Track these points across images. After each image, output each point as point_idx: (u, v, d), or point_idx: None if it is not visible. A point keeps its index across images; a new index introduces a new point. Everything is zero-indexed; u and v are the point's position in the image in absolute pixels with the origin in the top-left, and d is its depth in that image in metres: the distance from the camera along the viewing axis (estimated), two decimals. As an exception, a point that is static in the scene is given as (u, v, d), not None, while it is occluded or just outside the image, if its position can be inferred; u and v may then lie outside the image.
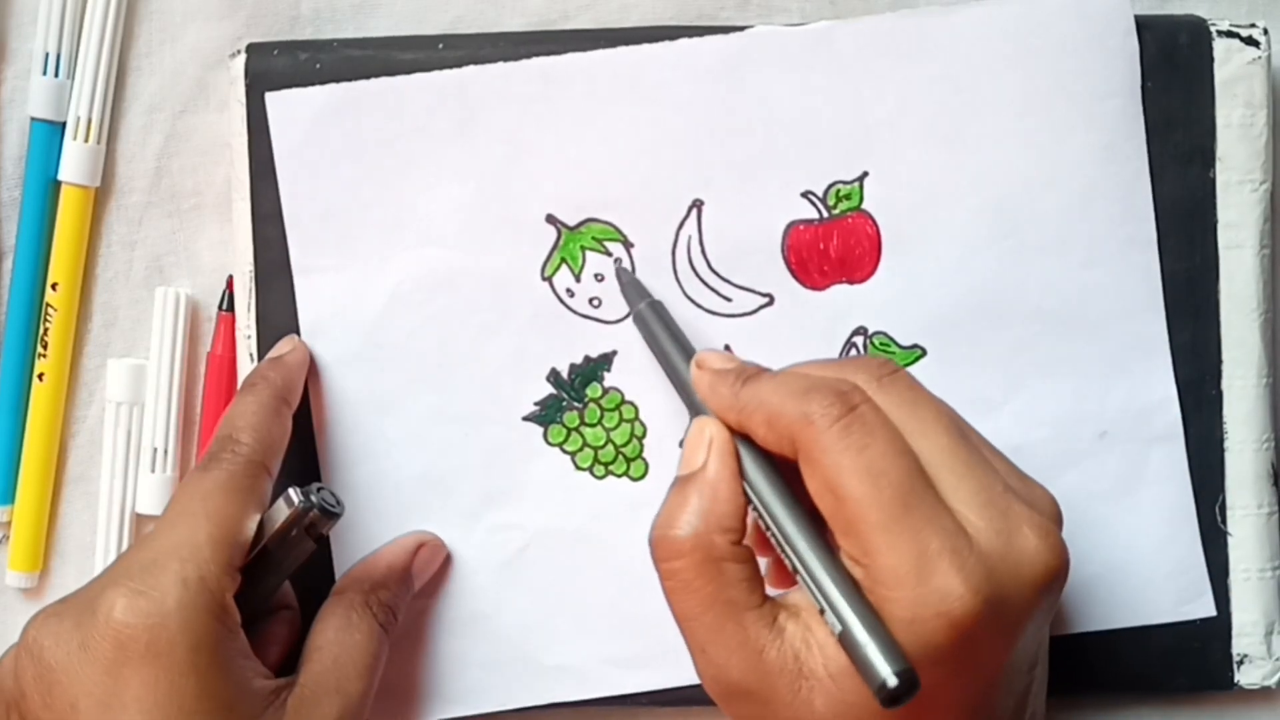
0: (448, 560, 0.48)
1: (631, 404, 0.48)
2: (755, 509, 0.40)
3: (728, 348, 0.48)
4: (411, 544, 0.47)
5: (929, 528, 0.36)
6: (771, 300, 0.48)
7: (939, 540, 0.36)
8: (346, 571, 0.46)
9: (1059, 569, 0.38)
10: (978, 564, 0.36)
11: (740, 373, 0.41)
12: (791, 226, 0.48)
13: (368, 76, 0.47)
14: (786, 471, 0.40)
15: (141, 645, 0.39)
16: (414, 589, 0.47)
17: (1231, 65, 0.49)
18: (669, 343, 0.45)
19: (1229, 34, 0.49)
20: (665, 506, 0.40)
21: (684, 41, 0.48)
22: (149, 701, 0.39)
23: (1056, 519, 0.40)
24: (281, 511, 0.43)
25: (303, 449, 0.48)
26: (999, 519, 0.37)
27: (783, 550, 0.39)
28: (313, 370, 0.48)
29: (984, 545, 0.37)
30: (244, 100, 0.48)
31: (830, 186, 0.48)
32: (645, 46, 0.47)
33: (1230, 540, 0.49)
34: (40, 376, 0.50)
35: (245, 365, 0.48)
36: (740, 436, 0.41)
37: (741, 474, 0.40)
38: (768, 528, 0.40)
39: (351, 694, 0.42)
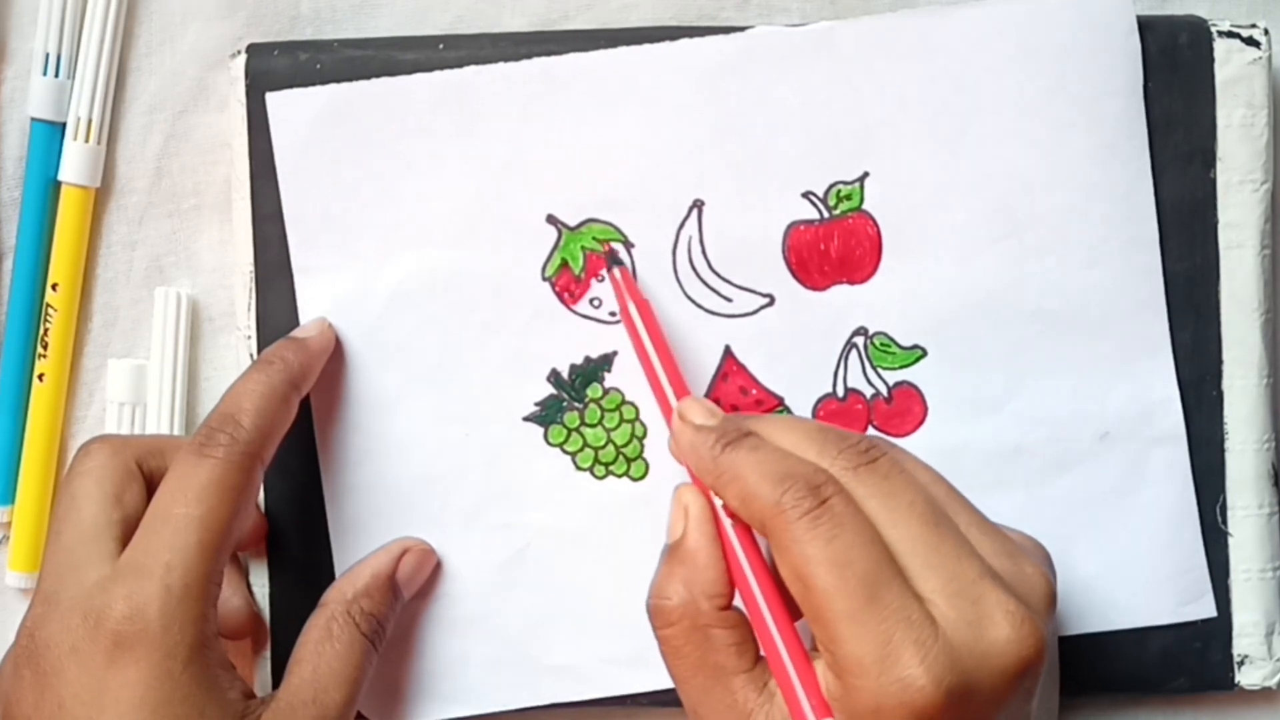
0: (448, 560, 0.48)
1: (632, 404, 0.48)
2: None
3: (728, 348, 0.48)
4: (396, 550, 0.47)
5: (893, 618, 0.37)
6: (772, 300, 0.48)
7: (903, 631, 0.37)
8: (332, 584, 0.46)
9: (1030, 658, 0.38)
10: (941, 654, 0.37)
11: (722, 434, 0.41)
12: (792, 227, 0.48)
13: (368, 77, 0.47)
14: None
15: (123, 649, 0.39)
16: (403, 596, 0.46)
17: (1232, 65, 0.49)
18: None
19: (1229, 34, 0.49)
20: (657, 575, 0.42)
21: (684, 41, 0.48)
22: (126, 704, 0.39)
23: (1046, 601, 0.40)
24: None
25: (303, 449, 0.48)
26: (969, 608, 0.38)
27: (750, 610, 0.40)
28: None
29: (951, 635, 0.37)
30: (244, 100, 0.48)
31: (831, 187, 0.48)
32: (645, 46, 0.47)
33: (1231, 540, 0.49)
34: (40, 377, 0.50)
35: (245, 366, 0.48)
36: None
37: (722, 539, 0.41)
38: (736, 583, 0.41)
39: (329, 704, 0.42)
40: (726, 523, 0.41)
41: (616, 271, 0.47)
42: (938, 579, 0.38)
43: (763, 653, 0.40)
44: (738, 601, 0.41)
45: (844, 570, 0.37)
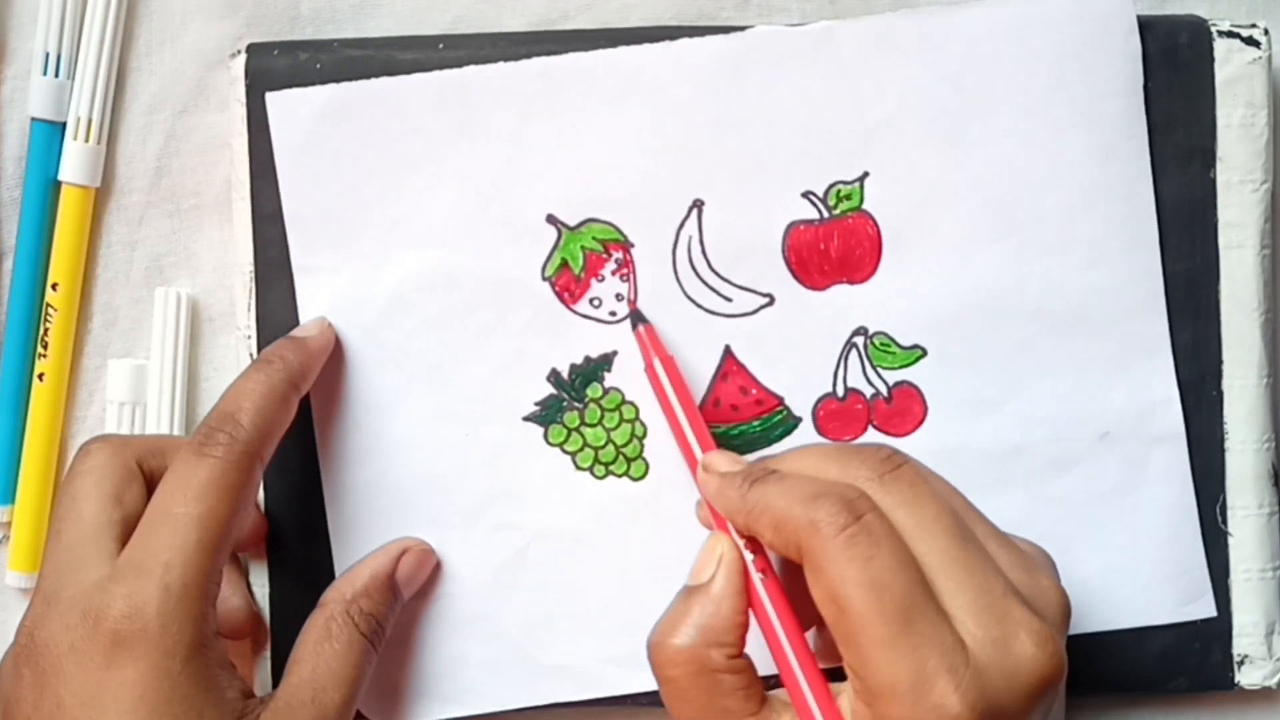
0: (448, 560, 0.48)
1: (632, 404, 0.48)
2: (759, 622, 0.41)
3: (728, 348, 0.48)
4: (395, 551, 0.46)
5: (928, 644, 0.37)
6: (772, 300, 0.48)
7: (937, 657, 0.37)
8: (331, 584, 0.46)
9: (1053, 676, 0.38)
10: (974, 679, 0.37)
11: (747, 475, 0.41)
12: (792, 227, 0.48)
13: (368, 76, 0.47)
14: (792, 576, 0.40)
15: (122, 648, 0.39)
16: (402, 596, 0.46)
17: (1232, 65, 0.49)
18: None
19: (1229, 34, 0.49)
20: (668, 613, 0.41)
21: (684, 41, 0.48)
22: (125, 704, 0.39)
23: (1063, 615, 0.40)
24: None
25: (303, 449, 0.48)
26: (995, 626, 0.38)
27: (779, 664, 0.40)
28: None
29: (980, 656, 0.37)
30: (244, 100, 0.48)
31: (831, 186, 0.48)
32: (645, 46, 0.47)
33: (1231, 540, 0.49)
34: (40, 376, 0.50)
35: (245, 366, 0.48)
36: (748, 542, 0.41)
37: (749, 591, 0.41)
38: (767, 641, 0.41)
39: (328, 704, 0.42)
40: (756, 577, 0.41)
41: (641, 329, 0.47)
42: (965, 596, 0.38)
43: (769, 692, 0.40)
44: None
45: (881, 594, 0.37)
